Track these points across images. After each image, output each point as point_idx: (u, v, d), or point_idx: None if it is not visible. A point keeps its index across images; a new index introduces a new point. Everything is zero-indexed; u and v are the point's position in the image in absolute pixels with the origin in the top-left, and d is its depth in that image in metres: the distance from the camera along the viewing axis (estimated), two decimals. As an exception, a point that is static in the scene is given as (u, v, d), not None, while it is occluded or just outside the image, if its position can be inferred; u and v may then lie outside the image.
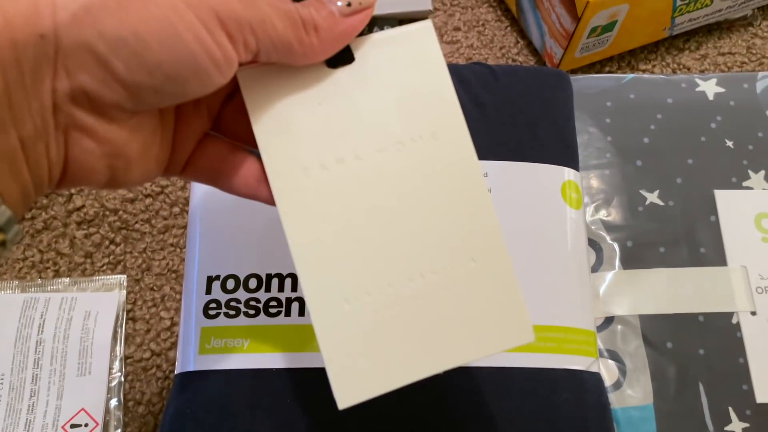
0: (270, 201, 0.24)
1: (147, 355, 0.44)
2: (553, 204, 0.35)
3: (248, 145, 0.25)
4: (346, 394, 0.23)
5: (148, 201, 0.47)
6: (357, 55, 0.24)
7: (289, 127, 0.24)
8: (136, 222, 0.47)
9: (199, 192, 0.35)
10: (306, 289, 0.23)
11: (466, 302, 0.24)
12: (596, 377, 0.33)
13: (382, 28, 0.24)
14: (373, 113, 0.24)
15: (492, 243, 0.24)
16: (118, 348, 0.44)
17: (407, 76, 0.24)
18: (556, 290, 0.33)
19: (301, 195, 0.24)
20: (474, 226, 0.24)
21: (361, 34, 0.24)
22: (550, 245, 0.34)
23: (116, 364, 0.43)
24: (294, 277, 0.33)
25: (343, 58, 0.24)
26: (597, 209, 0.40)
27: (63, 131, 0.19)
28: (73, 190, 0.47)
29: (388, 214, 0.24)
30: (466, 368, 0.31)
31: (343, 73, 0.24)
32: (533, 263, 0.34)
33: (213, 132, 0.25)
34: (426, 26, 0.25)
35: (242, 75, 0.23)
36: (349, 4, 0.22)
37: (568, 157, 0.37)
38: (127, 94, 0.19)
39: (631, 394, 0.36)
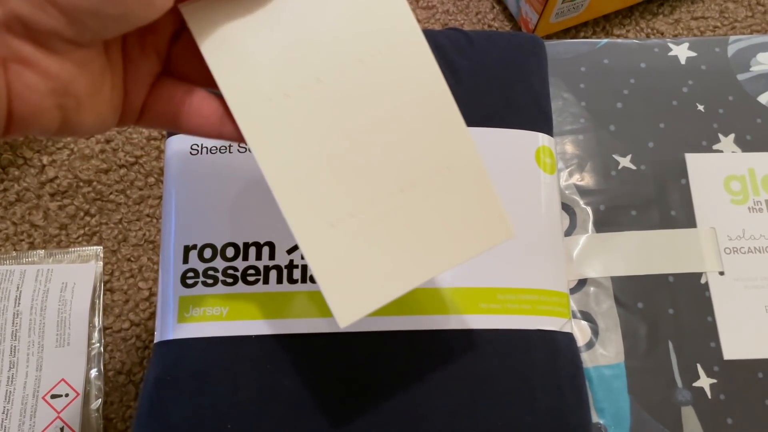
0: (236, 137, 0.24)
1: (126, 325, 0.44)
2: (528, 169, 0.35)
3: (203, 84, 0.24)
4: (346, 312, 0.23)
5: (122, 171, 0.47)
6: None
7: (244, 58, 0.23)
8: (111, 193, 0.47)
9: (174, 162, 0.35)
10: (289, 218, 0.23)
11: (446, 210, 0.24)
12: (569, 337, 0.34)
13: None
14: (327, 33, 0.23)
15: (464, 150, 0.24)
16: (96, 319, 0.44)
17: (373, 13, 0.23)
18: (530, 253, 0.34)
19: (269, 126, 0.23)
20: (445, 136, 0.24)
21: None
22: (524, 210, 0.35)
23: (95, 335, 0.43)
24: (271, 246, 0.33)
25: None
26: (571, 174, 0.41)
27: (1, 64, 0.18)
28: (44, 161, 0.46)
29: (359, 133, 0.24)
30: (442, 331, 0.32)
31: None
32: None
33: (166, 76, 0.24)
34: None
35: (187, 10, 0.22)
36: None
37: (543, 123, 0.37)
38: (66, 20, 0.18)
39: (603, 353, 0.37)
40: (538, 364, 0.32)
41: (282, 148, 0.23)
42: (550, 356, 0.32)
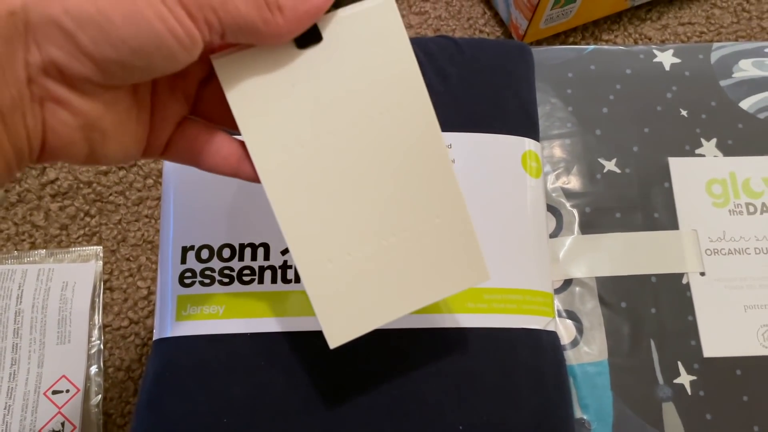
0: (251, 178, 0.26)
1: (125, 323, 0.45)
2: (514, 173, 0.37)
3: (227, 127, 0.26)
4: (336, 334, 0.27)
5: (121, 173, 0.48)
6: (324, 33, 0.25)
7: (266, 108, 0.25)
8: (111, 194, 0.48)
9: (172, 165, 0.36)
10: (295, 253, 0.26)
11: (431, 252, 0.28)
12: (553, 336, 0.35)
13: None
14: (343, 90, 0.26)
15: (453, 202, 0.27)
16: (96, 317, 0.45)
17: (372, 52, 0.26)
18: (515, 255, 0.35)
19: (283, 171, 0.26)
20: (437, 188, 0.27)
21: (327, 11, 0.25)
22: (510, 213, 0.36)
23: (95, 333, 0.44)
24: (266, 247, 0.34)
25: (311, 37, 0.25)
26: (558, 177, 0.42)
27: (38, 102, 0.20)
28: (45, 163, 0.47)
29: (362, 182, 0.26)
30: (431, 329, 0.33)
31: (312, 52, 0.25)
32: (495, 230, 0.35)
33: (192, 116, 0.26)
34: (386, 1, 0.26)
35: (218, 63, 0.24)
36: None
37: (529, 128, 0.38)
38: (96, 68, 0.20)
39: (588, 351, 0.38)
40: (522, 362, 0.33)
41: (292, 191, 0.26)
42: (534, 354, 0.33)
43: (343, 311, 0.27)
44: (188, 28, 0.20)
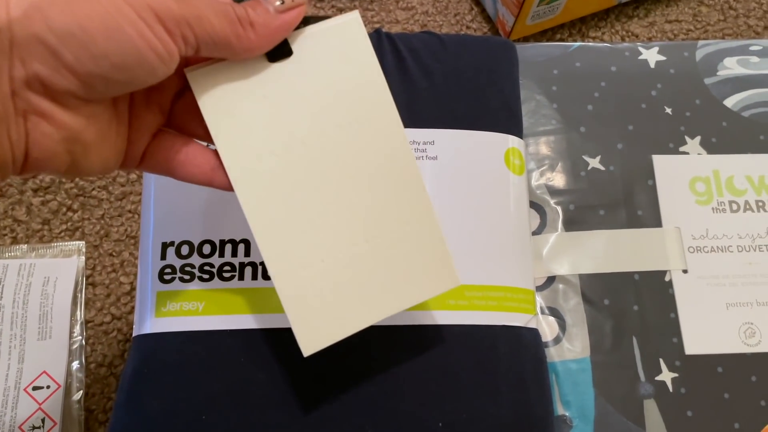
0: (225, 187, 0.26)
1: (108, 318, 0.45)
2: (497, 170, 0.37)
3: (200, 138, 0.27)
4: (309, 342, 0.27)
5: (104, 168, 0.48)
6: (294, 48, 0.26)
7: (239, 120, 0.26)
8: (93, 189, 0.47)
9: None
10: (268, 262, 0.27)
11: (402, 259, 0.28)
12: (534, 333, 0.35)
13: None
14: (313, 102, 0.26)
15: (421, 209, 0.28)
16: (78, 312, 0.44)
17: (340, 65, 0.27)
18: (497, 252, 0.35)
19: (256, 181, 0.26)
20: (406, 195, 0.28)
21: (297, 27, 0.26)
22: (493, 210, 0.36)
23: (77, 328, 0.44)
24: (247, 243, 0.34)
25: (282, 52, 0.26)
26: (542, 174, 0.42)
27: (22, 115, 0.21)
28: (28, 158, 0.47)
29: (333, 191, 0.27)
30: (412, 326, 0.33)
31: (283, 65, 0.26)
32: (477, 227, 0.35)
33: (167, 128, 0.27)
34: (353, 18, 0.27)
35: (191, 75, 0.25)
36: (282, 2, 0.24)
37: (512, 125, 0.38)
38: (78, 82, 0.20)
39: (570, 348, 0.38)
40: (502, 359, 0.33)
41: (265, 200, 0.26)
42: (514, 351, 0.33)
43: (316, 319, 0.27)
44: (166, 43, 0.21)
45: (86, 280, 0.46)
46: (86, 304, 0.45)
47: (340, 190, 0.27)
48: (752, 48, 0.46)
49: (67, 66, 0.20)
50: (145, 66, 0.21)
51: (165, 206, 0.34)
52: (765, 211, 0.41)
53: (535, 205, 0.41)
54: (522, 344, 0.34)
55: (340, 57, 0.27)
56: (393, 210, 0.28)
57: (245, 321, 0.33)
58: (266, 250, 0.27)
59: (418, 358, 0.32)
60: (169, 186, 0.35)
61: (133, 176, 0.48)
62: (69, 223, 0.47)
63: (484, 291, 0.34)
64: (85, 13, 0.20)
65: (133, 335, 0.34)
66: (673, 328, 0.39)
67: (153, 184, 0.35)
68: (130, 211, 0.47)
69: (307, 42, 0.26)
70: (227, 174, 0.26)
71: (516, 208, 0.37)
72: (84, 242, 0.46)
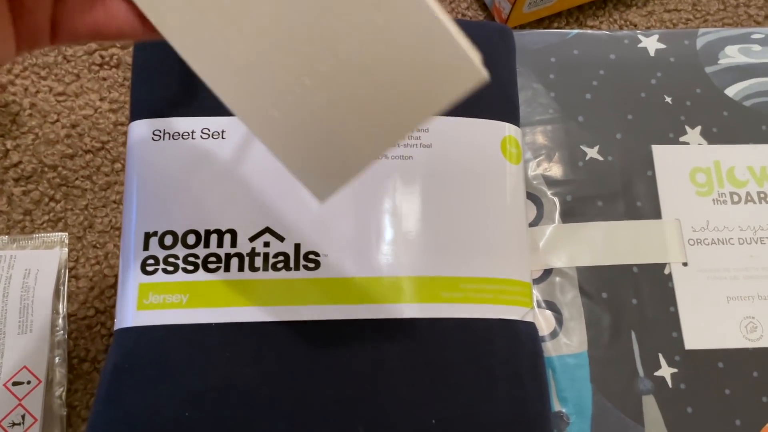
0: (152, 35, 0.22)
1: (91, 312, 0.44)
2: (493, 159, 0.35)
3: None
4: (322, 188, 0.23)
5: (88, 157, 0.46)
6: None
7: None
8: (77, 178, 0.46)
9: (136, 147, 0.35)
10: (233, 108, 0.22)
11: (400, 63, 0.21)
12: (530, 327, 0.34)
13: None
14: None
15: (420, 12, 0.21)
16: (60, 306, 0.43)
17: None
18: (493, 243, 0.34)
19: (211, 42, 0.21)
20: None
21: None
22: (488, 199, 0.35)
23: (59, 322, 0.43)
24: (233, 233, 0.33)
25: None
26: (539, 164, 0.41)
27: None
28: (8, 145, 0.46)
29: (310, 24, 0.21)
30: (403, 320, 0.32)
31: None
32: (472, 217, 0.34)
33: None
34: None
35: None
36: None
37: (509, 113, 0.37)
38: None
39: (567, 342, 0.37)
40: (498, 354, 0.32)
41: (206, 33, 0.21)
42: (510, 346, 0.32)
43: (321, 158, 0.22)
44: None
45: (69, 272, 0.44)
46: (69, 297, 0.44)
47: (315, 10, 0.21)
48: (754, 36, 0.45)
49: None
50: None
51: (148, 194, 0.33)
52: (767, 202, 0.40)
53: (532, 196, 0.40)
54: (518, 338, 0.33)
55: None
56: (370, 15, 0.20)
57: (231, 314, 0.31)
58: (226, 98, 0.22)
59: (411, 353, 0.31)
60: (153, 173, 0.34)
61: (117, 165, 0.46)
62: (51, 214, 0.45)
63: (480, 283, 0.33)
64: None
65: (115, 329, 0.32)
66: (672, 322, 0.38)
67: (136, 170, 0.34)
68: (114, 202, 0.46)
69: None
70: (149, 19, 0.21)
71: (512, 198, 0.35)
72: (67, 233, 0.45)
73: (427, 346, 0.31)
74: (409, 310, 0.32)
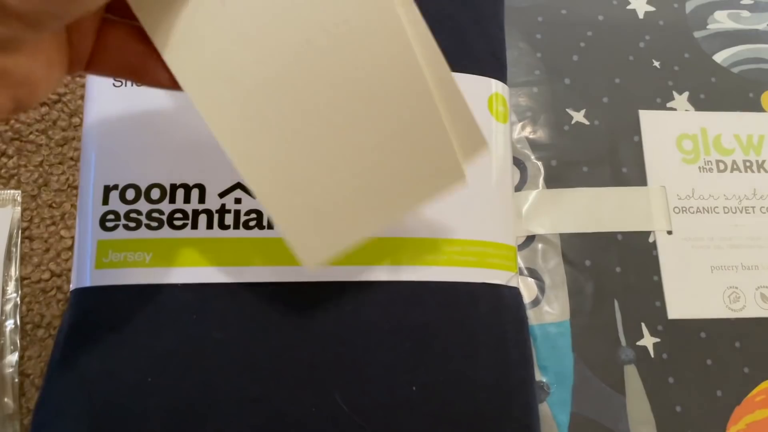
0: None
1: (46, 276, 0.41)
2: (479, 116, 0.34)
3: None
4: (311, 255, 0.24)
5: (44, 110, 0.43)
6: None
7: (195, 32, 0.21)
8: (31, 133, 0.43)
9: (95, 94, 0.32)
10: (248, 179, 0.23)
11: (398, 157, 0.24)
12: (515, 292, 0.33)
13: None
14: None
15: (421, 101, 0.23)
16: (13, 268, 0.40)
17: None
18: (478, 204, 0.32)
19: (228, 105, 0.22)
20: (403, 90, 0.23)
21: None
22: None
23: (11, 285, 0.40)
24: (201, 188, 0.30)
25: None
26: (523, 127, 0.39)
27: None
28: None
29: (322, 107, 0.23)
30: (385, 282, 0.30)
31: None
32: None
33: (114, 17, 0.22)
34: None
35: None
36: None
37: (497, 69, 0.35)
38: (24, 26, 0.17)
39: (549, 311, 0.36)
40: (482, 318, 0.30)
41: (242, 124, 0.22)
42: (495, 310, 0.31)
43: (315, 226, 0.23)
44: None
45: (22, 233, 0.41)
46: (22, 259, 0.41)
47: (323, 93, 0.23)
48: (743, 1, 0.44)
49: (10, 12, 0.16)
50: None
51: (108, 144, 0.31)
52: (753, 171, 0.40)
53: (516, 160, 0.39)
54: (503, 303, 0.31)
55: None
56: (388, 106, 0.23)
57: (199, 274, 0.29)
58: (244, 168, 0.23)
59: (392, 317, 0.29)
60: (114, 121, 0.31)
61: (76, 120, 0.43)
62: (3, 170, 0.42)
63: (464, 246, 0.31)
64: None
65: (71, 288, 0.30)
66: (656, 291, 0.37)
67: (95, 117, 0.31)
68: (72, 159, 0.43)
69: None
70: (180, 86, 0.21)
71: (499, 158, 0.34)
72: (20, 191, 0.42)
73: (408, 310, 0.30)
74: (390, 272, 0.30)
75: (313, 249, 0.24)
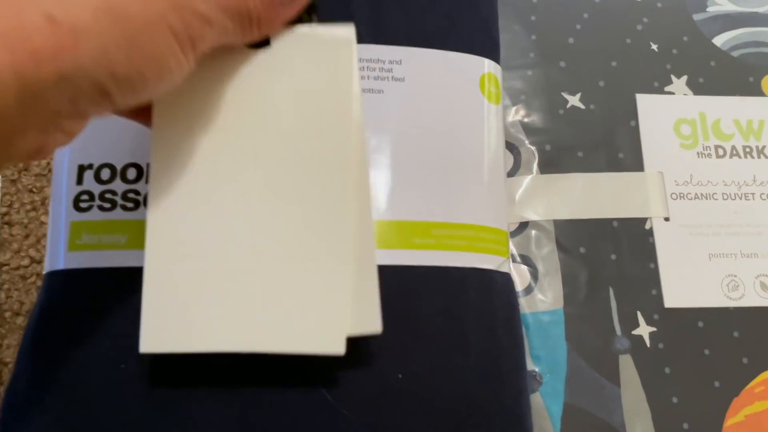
0: None
1: (26, 262, 0.40)
2: (471, 96, 0.32)
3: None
4: (151, 341, 0.24)
5: (24, 92, 0.42)
6: (275, 41, 0.24)
7: (188, 100, 0.24)
8: (11, 115, 0.42)
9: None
10: (147, 239, 0.24)
11: (293, 296, 0.24)
12: (506, 277, 0.31)
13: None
14: (273, 101, 0.24)
15: (341, 249, 0.25)
16: (-9, 254, 0.39)
17: (315, 77, 0.25)
18: (469, 186, 0.31)
19: (177, 164, 0.24)
20: (330, 229, 0.25)
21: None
22: (465, 139, 0.32)
23: (-11, 272, 0.39)
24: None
25: (261, 41, 0.24)
26: (517, 111, 0.38)
27: (43, 131, 0.19)
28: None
29: (255, 200, 0.24)
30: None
31: (254, 55, 0.24)
32: (447, 157, 0.31)
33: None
34: (348, 32, 0.25)
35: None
36: None
37: (489, 48, 0.34)
38: (113, 109, 0.20)
39: (542, 299, 0.35)
40: (472, 304, 0.29)
41: (178, 181, 0.24)
42: (485, 296, 0.30)
43: (171, 320, 0.24)
44: (192, 63, 0.21)
45: (2, 218, 0.40)
46: (1, 245, 0.40)
47: (261, 201, 0.24)
48: (743, -16, 0.43)
49: (112, 103, 0.19)
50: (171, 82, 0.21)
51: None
52: (752, 157, 0.38)
53: (509, 145, 0.37)
54: (494, 289, 0.30)
55: (318, 69, 0.24)
56: (308, 239, 0.24)
57: (177, 257, 0.28)
58: (151, 229, 0.24)
59: (377, 302, 0.28)
60: None
61: (57, 102, 0.42)
62: (-18, 154, 0.41)
63: (453, 229, 0.30)
64: (144, 56, 0.19)
65: (44, 272, 0.29)
66: (652, 279, 0.36)
67: None
68: (53, 142, 0.41)
69: (291, 39, 0.24)
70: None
71: (490, 140, 0.33)
72: (0, 177, 0.41)
73: (394, 295, 0.28)
74: (377, 256, 0.29)
75: (157, 337, 0.24)
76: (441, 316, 0.29)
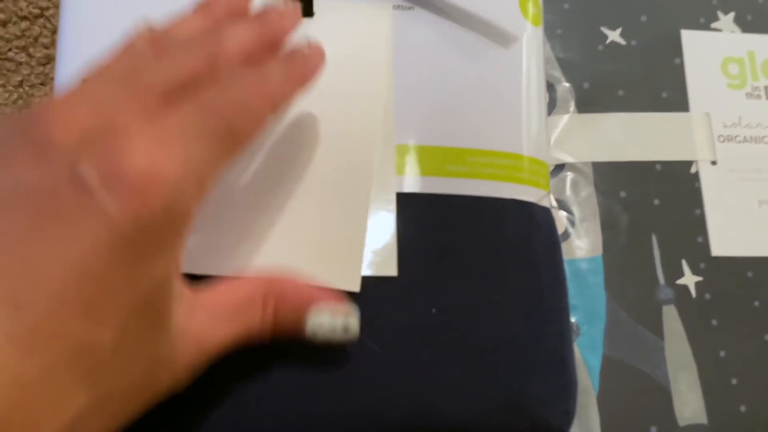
0: None
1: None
2: (510, 14, 0.30)
3: None
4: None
5: (24, 25, 0.39)
6: (317, 11, 0.26)
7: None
8: (10, 50, 0.39)
9: (72, 12, 0.29)
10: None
11: (312, 233, 0.25)
12: (547, 212, 0.29)
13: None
14: None
15: (360, 193, 0.25)
16: (-12, 195, 0.37)
17: (352, 50, 0.26)
18: (507, 111, 0.29)
19: None
20: (351, 172, 0.25)
21: None
22: (504, 63, 0.29)
23: (-14, 213, 0.36)
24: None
25: (305, 10, 0.26)
26: (553, 46, 0.36)
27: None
28: (-72, 8, 0.39)
29: (280, 134, 0.25)
30: (400, 195, 0.26)
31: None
32: (484, 79, 0.29)
33: None
34: (385, 10, 0.27)
35: None
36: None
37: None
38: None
39: (580, 245, 0.33)
40: (511, 238, 0.27)
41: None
42: (525, 230, 0.27)
43: (194, 247, 0.23)
44: None
45: (0, 158, 0.38)
46: None
47: (287, 141, 0.25)
48: None
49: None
50: None
51: (88, 57, 0.27)
52: (805, 98, 0.36)
53: (544, 82, 0.35)
54: (534, 223, 0.28)
55: (356, 41, 0.26)
56: (330, 184, 0.25)
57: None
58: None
59: (407, 231, 0.26)
60: (94, 31, 0.28)
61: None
62: (-21, 90, 0.39)
63: (489, 157, 0.28)
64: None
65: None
66: (698, 226, 0.33)
67: (72, 27, 0.28)
68: (54, 79, 0.39)
69: (332, 12, 0.26)
70: None
71: (531, 64, 0.30)
72: (-2, 113, 0.38)
73: (427, 226, 0.26)
74: (407, 184, 0.26)
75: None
76: (477, 249, 0.26)
